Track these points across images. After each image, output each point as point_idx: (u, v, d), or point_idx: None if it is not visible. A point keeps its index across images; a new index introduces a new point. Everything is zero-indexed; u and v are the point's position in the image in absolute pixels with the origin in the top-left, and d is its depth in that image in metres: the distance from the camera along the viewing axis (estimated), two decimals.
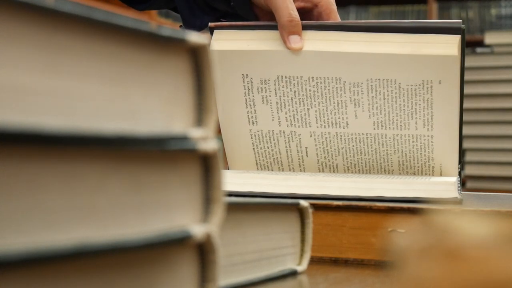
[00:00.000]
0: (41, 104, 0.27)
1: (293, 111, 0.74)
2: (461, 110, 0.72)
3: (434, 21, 0.75)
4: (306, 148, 0.76)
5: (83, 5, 0.29)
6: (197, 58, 0.34)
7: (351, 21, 0.77)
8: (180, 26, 0.90)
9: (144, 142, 0.31)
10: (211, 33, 0.75)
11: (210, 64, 0.35)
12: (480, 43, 2.13)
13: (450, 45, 0.70)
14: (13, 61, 0.26)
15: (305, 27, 0.73)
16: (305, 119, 0.75)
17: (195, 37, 0.34)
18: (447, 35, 0.70)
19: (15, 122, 0.26)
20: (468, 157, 2.00)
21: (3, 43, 0.26)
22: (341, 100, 0.73)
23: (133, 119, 0.31)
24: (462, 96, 0.72)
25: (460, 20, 0.72)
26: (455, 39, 0.70)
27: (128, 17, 0.31)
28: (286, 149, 0.76)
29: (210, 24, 0.76)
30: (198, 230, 0.33)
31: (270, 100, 0.74)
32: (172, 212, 0.33)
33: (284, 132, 0.76)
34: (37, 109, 0.27)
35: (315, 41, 0.72)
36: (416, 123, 0.72)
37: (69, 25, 0.28)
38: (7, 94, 0.26)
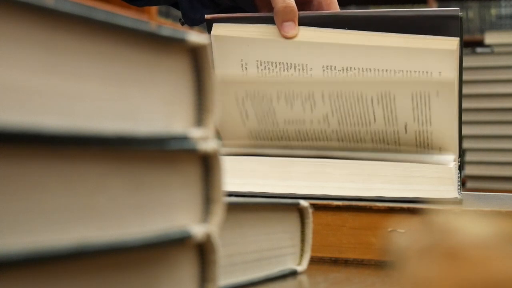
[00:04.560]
0: (41, 104, 0.27)
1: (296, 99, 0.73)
2: (460, 92, 0.72)
3: (432, 9, 0.73)
4: (308, 133, 0.75)
5: (83, 5, 0.29)
6: (197, 58, 0.34)
7: (348, 11, 0.75)
8: (180, 19, 0.89)
9: (144, 142, 0.31)
10: (208, 26, 0.74)
11: (210, 64, 0.35)
12: (480, 43, 2.13)
13: (448, 55, 0.69)
14: (13, 61, 0.26)
15: (302, 18, 0.72)
16: (307, 107, 0.73)
17: (195, 37, 0.34)
18: (446, 37, 0.69)
19: (15, 122, 0.26)
20: (468, 157, 2.00)
21: (3, 43, 0.26)
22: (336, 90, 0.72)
23: (133, 119, 0.31)
24: (461, 79, 0.71)
25: (458, 8, 0.71)
26: (454, 43, 0.69)
27: (128, 17, 0.31)
28: (284, 131, 0.75)
29: (206, 16, 0.75)
30: (198, 230, 0.33)
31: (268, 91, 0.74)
32: (172, 212, 0.33)
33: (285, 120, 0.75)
34: (37, 109, 0.27)
35: (312, 38, 0.72)
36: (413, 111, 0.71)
37: (69, 25, 0.28)
38: (7, 94, 0.26)
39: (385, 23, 0.71)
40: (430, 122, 0.71)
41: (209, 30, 0.75)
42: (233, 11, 0.80)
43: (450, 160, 0.68)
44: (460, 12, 0.70)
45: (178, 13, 0.91)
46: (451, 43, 0.69)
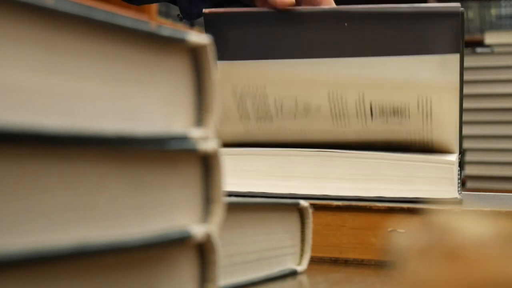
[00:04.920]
0: (41, 104, 0.27)
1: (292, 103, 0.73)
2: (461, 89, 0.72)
3: (432, 5, 0.72)
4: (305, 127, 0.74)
5: (83, 5, 0.29)
6: (197, 58, 0.34)
7: (347, 6, 0.74)
8: (178, 15, 0.89)
9: (144, 142, 0.31)
10: (205, 20, 0.74)
11: (210, 64, 0.35)
12: (480, 43, 2.13)
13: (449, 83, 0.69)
14: (13, 61, 0.26)
15: (301, 13, 0.72)
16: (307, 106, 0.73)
17: (195, 37, 0.34)
18: (446, 55, 0.69)
19: (15, 122, 0.26)
20: (468, 157, 2.00)
21: (3, 43, 0.26)
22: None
23: (133, 119, 0.31)
24: (461, 79, 0.71)
25: (459, 4, 0.69)
26: (454, 71, 0.69)
27: (128, 17, 0.31)
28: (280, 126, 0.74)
29: (204, 10, 0.74)
30: (198, 230, 0.33)
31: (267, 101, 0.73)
32: (172, 212, 0.33)
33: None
34: (37, 109, 0.27)
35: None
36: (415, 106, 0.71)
37: (69, 25, 0.28)
38: (7, 94, 0.26)
39: (384, 19, 0.70)
40: (431, 123, 0.71)
41: (206, 24, 0.74)
42: (230, 6, 0.80)
43: (451, 160, 0.68)
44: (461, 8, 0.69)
45: (178, 12, 0.91)
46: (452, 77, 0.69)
